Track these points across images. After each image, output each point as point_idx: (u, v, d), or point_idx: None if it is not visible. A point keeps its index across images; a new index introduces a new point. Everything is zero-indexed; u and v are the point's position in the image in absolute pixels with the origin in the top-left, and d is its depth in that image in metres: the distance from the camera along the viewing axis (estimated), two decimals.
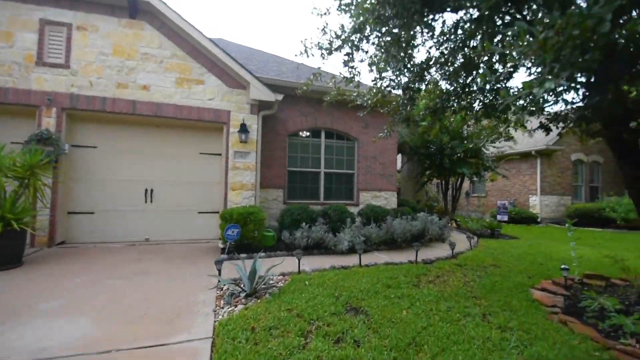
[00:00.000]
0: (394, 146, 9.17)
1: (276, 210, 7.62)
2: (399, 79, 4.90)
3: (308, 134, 8.48)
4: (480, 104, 4.77)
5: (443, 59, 4.72)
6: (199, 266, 4.82)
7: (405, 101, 5.37)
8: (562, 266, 4.21)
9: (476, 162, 10.92)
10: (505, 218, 7.76)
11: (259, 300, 3.37)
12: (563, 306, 3.66)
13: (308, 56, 4.28)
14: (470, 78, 4.87)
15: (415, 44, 4.59)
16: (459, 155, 10.70)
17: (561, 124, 3.95)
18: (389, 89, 5.09)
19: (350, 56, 4.73)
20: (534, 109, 4.33)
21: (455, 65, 4.73)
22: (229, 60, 6.41)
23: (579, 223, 12.35)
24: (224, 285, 3.66)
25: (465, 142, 10.77)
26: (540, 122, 4.20)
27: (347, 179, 8.75)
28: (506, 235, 8.96)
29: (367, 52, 4.59)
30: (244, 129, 6.42)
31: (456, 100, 5.14)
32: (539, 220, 13.16)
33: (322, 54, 4.42)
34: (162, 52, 6.27)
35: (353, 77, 4.90)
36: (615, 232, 10.73)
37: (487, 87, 4.44)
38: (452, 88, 5.10)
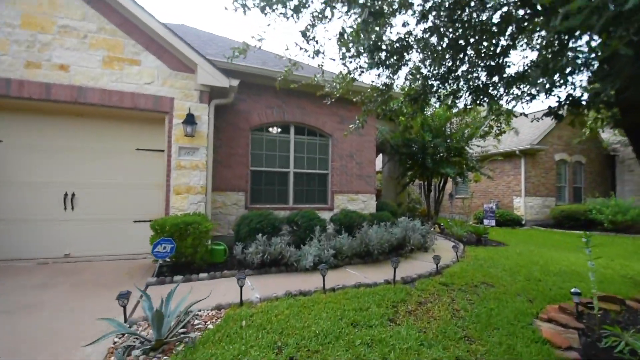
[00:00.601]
0: (372, 144, 8.27)
1: (236, 217, 6.53)
2: (374, 57, 3.95)
3: (276, 129, 7.44)
4: (471, 86, 3.90)
5: (426, 35, 3.82)
6: (115, 294, 3.69)
7: (382, 88, 4.44)
8: (573, 290, 3.37)
9: (460, 161, 10.19)
10: (493, 223, 7.02)
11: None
12: (580, 347, 2.80)
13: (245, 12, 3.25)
14: (458, 59, 3.99)
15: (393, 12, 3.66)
16: (442, 154, 9.94)
17: (574, 109, 3.10)
18: (361, 69, 4.14)
19: (312, 27, 3.76)
20: (537, 91, 3.49)
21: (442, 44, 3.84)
22: (171, 37, 5.30)
23: (564, 225, 11.87)
24: (120, 333, 2.57)
25: (449, 140, 10.03)
26: (549, 107, 3.35)
27: (320, 180, 7.77)
28: (493, 241, 8.23)
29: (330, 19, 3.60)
30: (190, 119, 5.32)
31: (441, 86, 4.26)
32: (523, 222, 12.63)
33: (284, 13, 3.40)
34: (86, 24, 5.08)
35: (317, 53, 3.91)
36: (603, 235, 10.25)
37: (482, 63, 3.57)
38: (436, 72, 4.21)
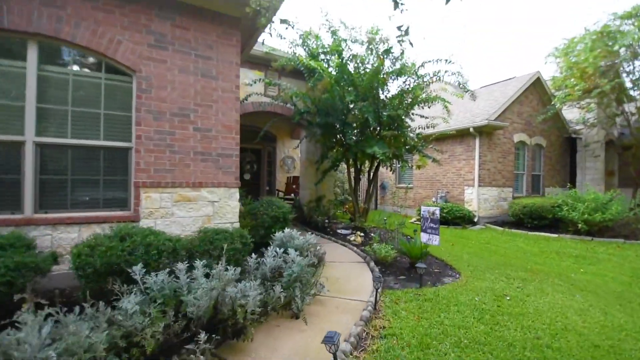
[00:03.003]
0: (232, 95, 4.47)
1: None
2: None
3: None
4: None
5: None
6: None
7: None
8: None
9: (396, 137, 6.89)
10: (436, 241, 3.69)
11: None
12: None
13: None
14: None
15: None
16: (370, 126, 6.53)
17: None
18: None
19: None
20: None
21: None
22: None
23: (525, 224, 9.30)
24: None
25: (381, 107, 6.63)
26: None
27: (110, 161, 3.87)
28: (436, 265, 5.04)
29: None
30: None
31: None
32: (476, 219, 9.92)
33: None
34: None
35: None
36: (578, 240, 7.71)
37: None
38: None
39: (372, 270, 4.44)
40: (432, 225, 4.00)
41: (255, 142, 11.22)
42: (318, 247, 4.43)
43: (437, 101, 7.04)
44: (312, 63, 6.09)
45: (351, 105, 6.79)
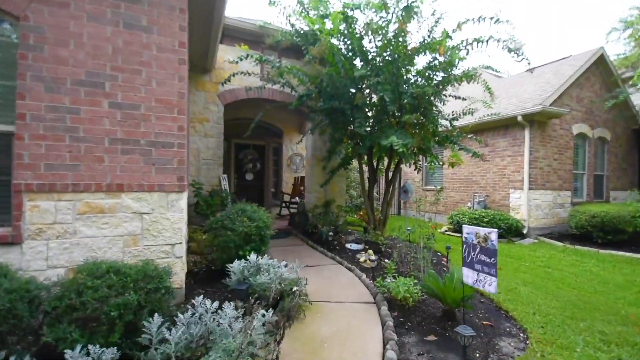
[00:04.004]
0: (172, 58, 3.04)
1: None
2: None
3: None
4: None
5: None
6: None
7: None
8: None
9: (421, 125, 5.21)
10: (492, 286, 2.05)
11: None
12: None
13: None
14: None
15: None
16: (387, 108, 4.88)
17: None
18: None
19: None
20: None
21: None
22: None
23: (592, 238, 7.23)
24: None
25: (402, 83, 4.99)
26: None
27: None
28: (483, 306, 3.36)
29: None
30: None
31: None
32: (525, 231, 7.95)
33: None
34: None
35: None
36: None
37: None
38: None
39: (383, 323, 2.84)
40: (483, 257, 2.35)
41: (259, 138, 9.89)
42: (299, 288, 2.89)
43: (475, 80, 5.29)
44: (306, 22, 4.58)
45: (363, 85, 5.21)
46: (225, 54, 6.42)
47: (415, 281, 3.25)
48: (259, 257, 2.91)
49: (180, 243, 2.98)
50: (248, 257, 2.84)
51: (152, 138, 2.90)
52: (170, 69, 2.97)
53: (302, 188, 9.07)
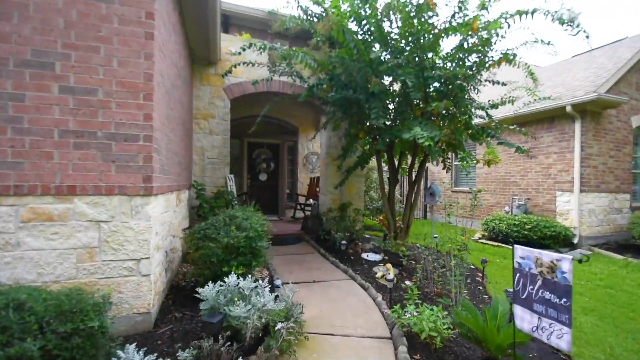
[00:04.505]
0: (142, 21, 2.50)
1: None
2: None
3: None
4: None
5: None
6: None
7: None
8: None
9: (451, 117, 4.38)
10: (565, 342, 1.27)
11: None
12: None
13: None
14: None
15: None
16: (410, 94, 4.09)
17: None
18: None
19: None
20: None
21: None
22: None
23: None
24: None
25: (429, 66, 4.21)
26: None
27: None
28: (536, 352, 2.54)
29: None
30: None
31: None
32: (575, 241, 6.82)
33: None
34: None
35: None
36: None
37: None
38: None
39: None
40: (549, 296, 1.57)
41: (273, 136, 9.37)
42: (285, 325, 2.23)
43: (514, 64, 4.40)
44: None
45: (380, 69, 4.48)
46: (232, 45, 5.92)
47: (445, 313, 2.49)
48: (241, 278, 2.29)
49: (147, 258, 2.43)
50: (226, 279, 2.24)
51: (112, 129, 2.37)
52: (135, 45, 2.43)
53: (317, 189, 8.43)
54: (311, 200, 8.11)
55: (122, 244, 2.38)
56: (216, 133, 6.02)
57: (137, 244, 2.41)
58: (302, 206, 8.31)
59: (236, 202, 5.87)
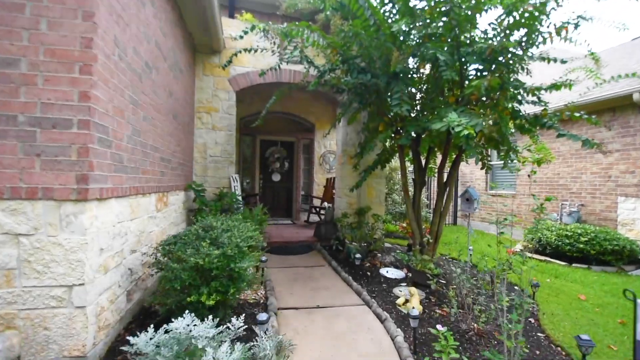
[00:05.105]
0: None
1: None
2: None
3: None
4: None
5: None
6: None
7: None
8: None
9: (495, 103, 3.50)
10: None
11: None
12: None
13: None
14: None
15: None
16: (443, 74, 3.26)
17: None
18: None
19: None
20: None
21: None
22: None
23: None
24: None
25: (463, 38, 3.38)
26: None
27: None
28: None
29: None
30: None
31: None
32: None
33: None
34: None
35: None
36: None
37: None
38: None
39: None
40: None
41: (287, 134, 8.74)
42: None
43: (568, 39, 3.46)
44: None
45: (404, 45, 3.67)
46: (237, 31, 5.32)
47: None
48: (206, 320, 1.62)
49: (82, 285, 1.82)
50: (176, 321, 1.57)
51: (37, 112, 1.78)
52: (71, 1, 1.83)
53: (334, 191, 7.69)
54: (326, 203, 7.38)
55: (47, 265, 1.78)
56: (219, 128, 5.45)
57: (67, 265, 1.80)
58: (317, 209, 7.61)
59: (240, 205, 5.26)
